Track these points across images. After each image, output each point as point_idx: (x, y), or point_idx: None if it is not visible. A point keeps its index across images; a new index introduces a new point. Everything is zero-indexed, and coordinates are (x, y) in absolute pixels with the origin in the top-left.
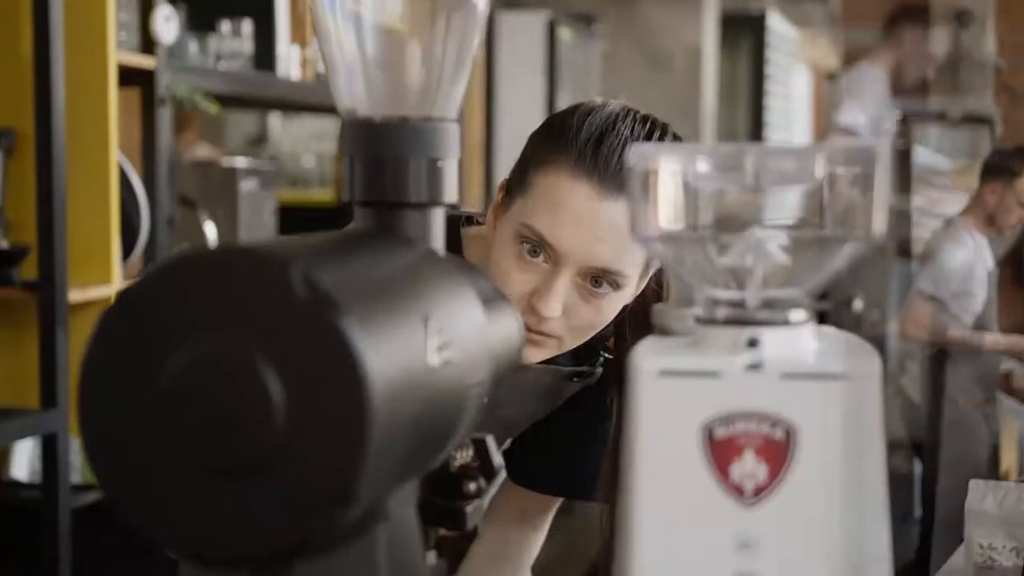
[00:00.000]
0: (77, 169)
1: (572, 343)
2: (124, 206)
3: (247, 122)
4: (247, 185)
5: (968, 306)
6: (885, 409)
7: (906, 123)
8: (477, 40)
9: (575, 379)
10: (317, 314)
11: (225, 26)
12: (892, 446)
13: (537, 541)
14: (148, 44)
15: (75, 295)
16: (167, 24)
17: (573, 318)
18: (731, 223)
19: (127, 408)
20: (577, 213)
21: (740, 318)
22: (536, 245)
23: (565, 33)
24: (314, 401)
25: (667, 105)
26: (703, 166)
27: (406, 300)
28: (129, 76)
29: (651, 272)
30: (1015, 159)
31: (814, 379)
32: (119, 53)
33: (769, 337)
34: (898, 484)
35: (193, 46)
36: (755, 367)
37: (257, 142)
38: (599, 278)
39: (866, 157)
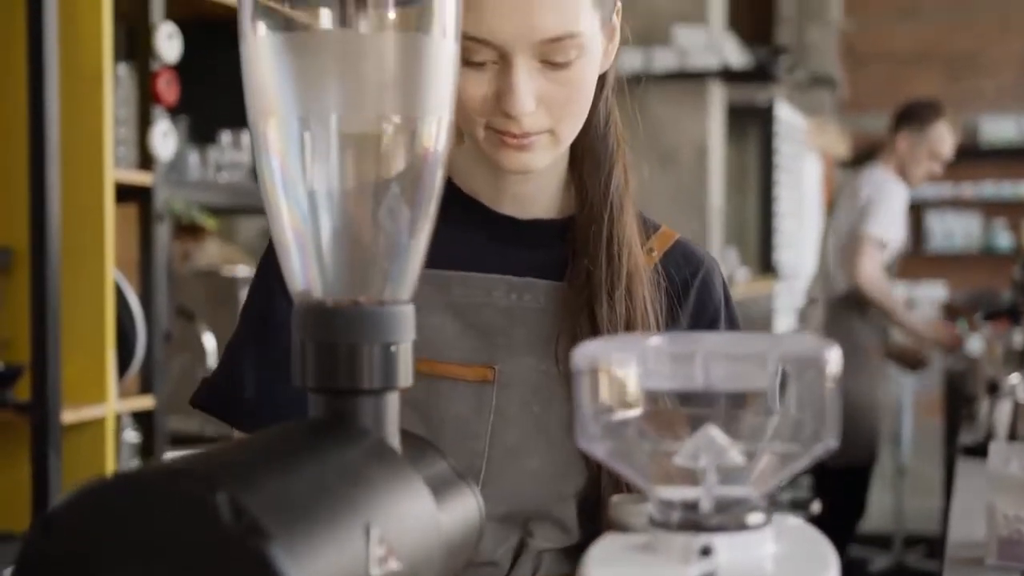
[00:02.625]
0: (73, 287)
1: (567, 130)
2: (120, 323)
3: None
4: None
5: (887, 255)
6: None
7: None
8: (432, 216)
9: None
10: (244, 543)
11: (226, 137)
12: None
13: None
14: (146, 159)
15: (69, 416)
16: (165, 140)
17: (550, 104)
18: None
19: None
20: None
21: (694, 523)
22: (473, 50)
23: None
24: None
25: (674, 200)
26: (651, 366)
27: (346, 509)
28: (127, 192)
29: (616, 17)
30: (927, 110)
31: None
32: (117, 170)
33: (724, 544)
34: None
35: (194, 157)
36: None
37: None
38: (556, 52)
39: (816, 361)
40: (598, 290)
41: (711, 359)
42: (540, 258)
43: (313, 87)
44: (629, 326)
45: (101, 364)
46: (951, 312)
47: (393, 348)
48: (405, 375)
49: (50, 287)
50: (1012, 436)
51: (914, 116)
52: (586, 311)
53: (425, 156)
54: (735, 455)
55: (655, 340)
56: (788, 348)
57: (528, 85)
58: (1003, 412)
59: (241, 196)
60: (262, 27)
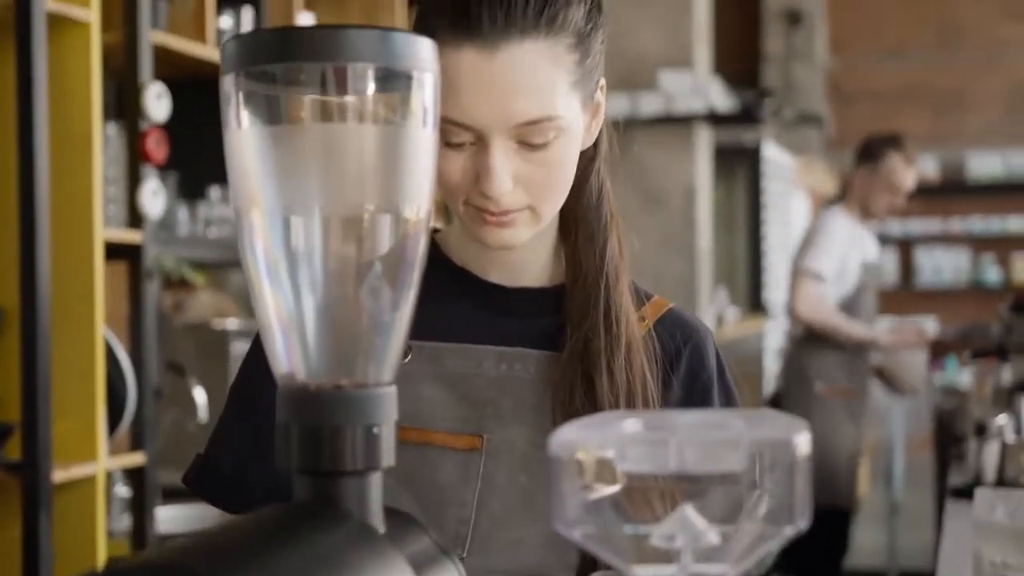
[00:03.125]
0: (63, 346)
1: (548, 208)
2: (110, 381)
3: None
4: (239, 347)
5: (839, 290)
6: None
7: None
8: (412, 298)
9: None
10: None
11: (214, 192)
12: None
13: None
14: (136, 217)
15: (59, 475)
16: (154, 198)
17: (528, 183)
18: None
19: None
20: (473, 81)
21: None
22: (452, 132)
23: None
24: None
25: (663, 242)
26: (627, 451)
27: None
28: (117, 250)
29: (600, 93)
30: (880, 144)
31: None
32: (106, 229)
33: None
34: None
35: (183, 213)
36: None
37: None
38: (533, 134)
39: (786, 445)
40: (597, 360)
41: (685, 444)
42: (530, 327)
43: (296, 178)
44: (629, 396)
45: (92, 422)
46: (940, 348)
47: (375, 430)
48: (388, 455)
49: (41, 346)
50: (1000, 478)
51: (869, 152)
52: (584, 382)
53: (406, 242)
54: (712, 536)
55: (631, 426)
56: (759, 433)
57: (505, 167)
58: (991, 454)
59: (231, 251)
60: (246, 119)
